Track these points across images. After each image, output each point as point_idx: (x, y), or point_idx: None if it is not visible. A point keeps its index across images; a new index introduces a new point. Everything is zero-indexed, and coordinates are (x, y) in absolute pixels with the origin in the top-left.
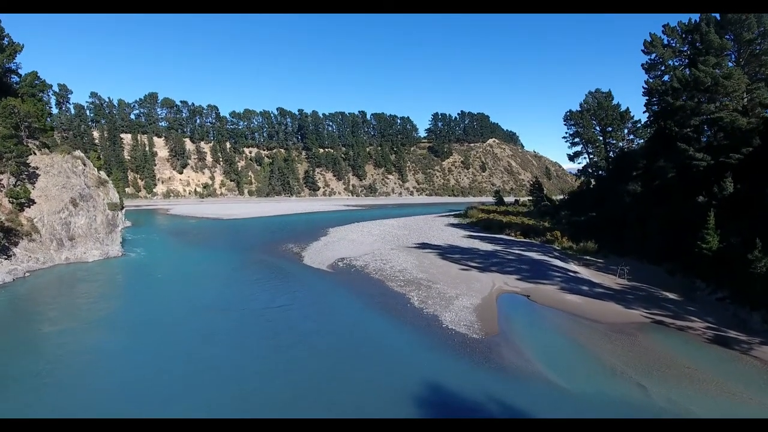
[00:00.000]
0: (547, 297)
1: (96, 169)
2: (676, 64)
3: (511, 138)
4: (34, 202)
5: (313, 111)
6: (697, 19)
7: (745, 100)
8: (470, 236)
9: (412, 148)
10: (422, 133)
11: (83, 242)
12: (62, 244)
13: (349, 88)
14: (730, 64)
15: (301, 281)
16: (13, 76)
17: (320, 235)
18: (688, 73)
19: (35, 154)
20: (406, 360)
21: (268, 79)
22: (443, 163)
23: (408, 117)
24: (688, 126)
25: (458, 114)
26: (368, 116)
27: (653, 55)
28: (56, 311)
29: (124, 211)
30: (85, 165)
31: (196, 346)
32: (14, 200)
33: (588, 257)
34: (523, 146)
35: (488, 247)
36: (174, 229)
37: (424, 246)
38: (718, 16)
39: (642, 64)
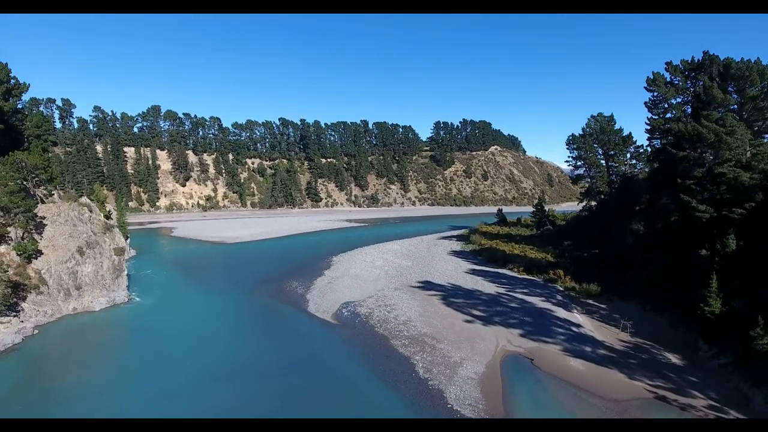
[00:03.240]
0: (550, 361)
1: (101, 214)
2: (679, 101)
3: (512, 143)
4: (41, 253)
5: (315, 121)
6: (700, 59)
7: (749, 153)
8: (473, 271)
9: (414, 157)
10: (424, 140)
11: (90, 290)
12: (69, 293)
13: (350, 97)
14: (735, 107)
15: (306, 339)
16: (18, 115)
17: (324, 267)
18: (689, 112)
19: (43, 202)
20: None
21: (270, 89)
22: (445, 172)
23: (410, 126)
24: (690, 177)
25: (460, 122)
26: (370, 125)
27: (655, 93)
28: (64, 386)
29: (128, 241)
30: (91, 212)
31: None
32: (22, 253)
33: (591, 301)
34: (524, 151)
35: (491, 289)
36: (177, 260)
37: (427, 285)
38: (721, 58)
39: (645, 102)
